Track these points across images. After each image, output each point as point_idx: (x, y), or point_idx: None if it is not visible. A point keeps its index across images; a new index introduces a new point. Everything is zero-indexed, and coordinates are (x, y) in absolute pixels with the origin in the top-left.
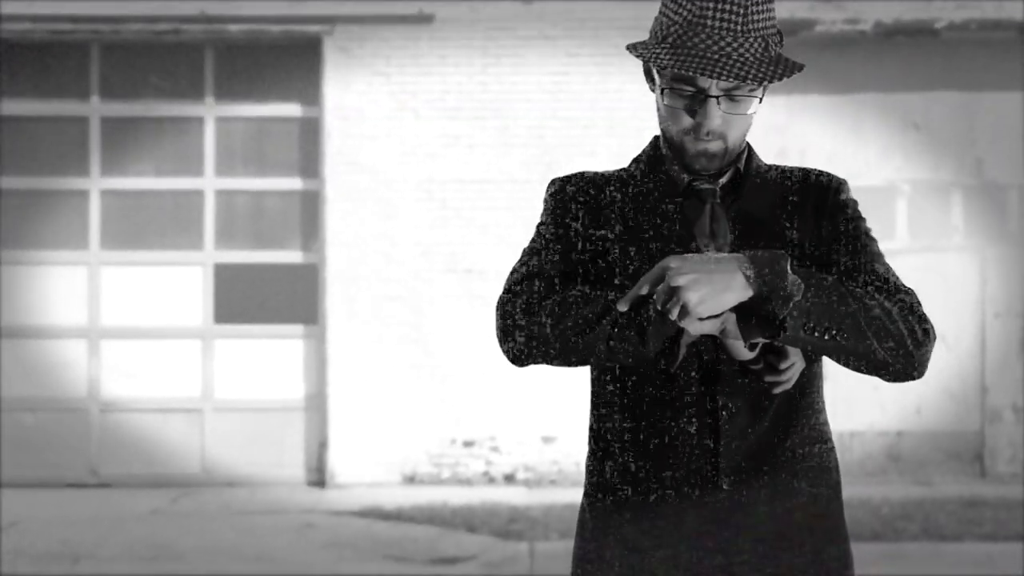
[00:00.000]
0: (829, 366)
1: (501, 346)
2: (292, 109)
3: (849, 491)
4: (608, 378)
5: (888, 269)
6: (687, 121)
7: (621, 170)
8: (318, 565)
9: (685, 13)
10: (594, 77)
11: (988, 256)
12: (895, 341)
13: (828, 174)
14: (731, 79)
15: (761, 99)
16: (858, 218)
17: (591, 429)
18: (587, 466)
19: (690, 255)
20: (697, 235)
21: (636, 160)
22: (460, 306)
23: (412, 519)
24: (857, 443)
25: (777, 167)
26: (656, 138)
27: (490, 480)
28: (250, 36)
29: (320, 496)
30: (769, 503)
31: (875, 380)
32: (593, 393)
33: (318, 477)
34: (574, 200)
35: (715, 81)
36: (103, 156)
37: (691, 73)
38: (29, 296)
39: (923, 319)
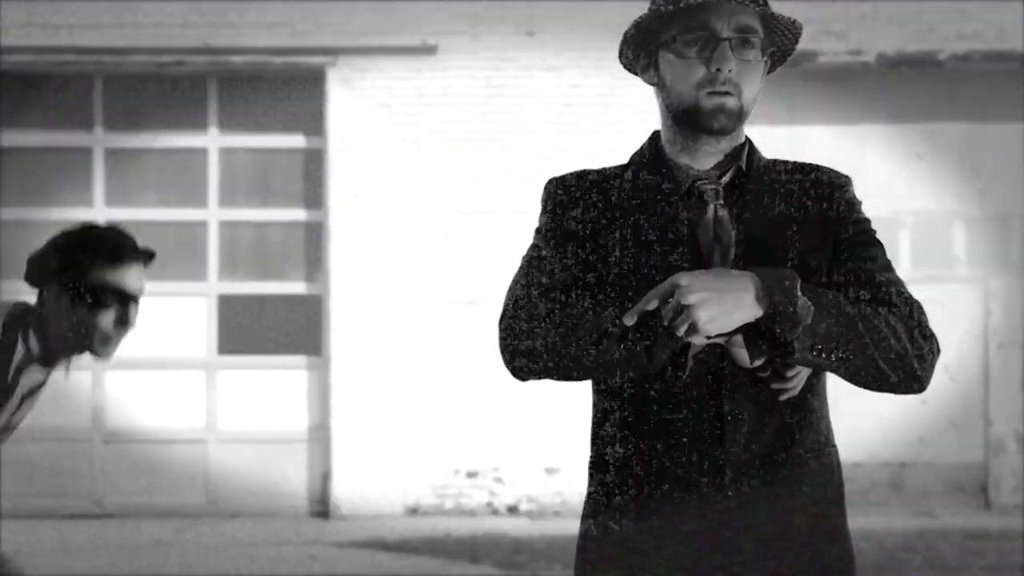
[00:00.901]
0: (832, 392)
1: (504, 360)
2: (295, 140)
3: (852, 522)
4: (611, 380)
5: (892, 276)
6: (700, 72)
7: (621, 167)
8: None
9: None
10: (597, 108)
11: (991, 287)
12: (900, 360)
13: (833, 171)
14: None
15: (766, 63)
16: (863, 219)
17: (594, 430)
18: (590, 468)
19: (700, 272)
20: (701, 238)
21: (636, 156)
22: (463, 337)
23: (415, 550)
24: (860, 474)
25: (780, 162)
26: (655, 134)
27: (493, 511)
28: (253, 67)
29: (323, 527)
30: (770, 504)
31: (878, 409)
32: (595, 393)
33: (321, 508)
34: (572, 203)
35: (726, 21)
36: (107, 187)
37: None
38: None
39: (928, 334)
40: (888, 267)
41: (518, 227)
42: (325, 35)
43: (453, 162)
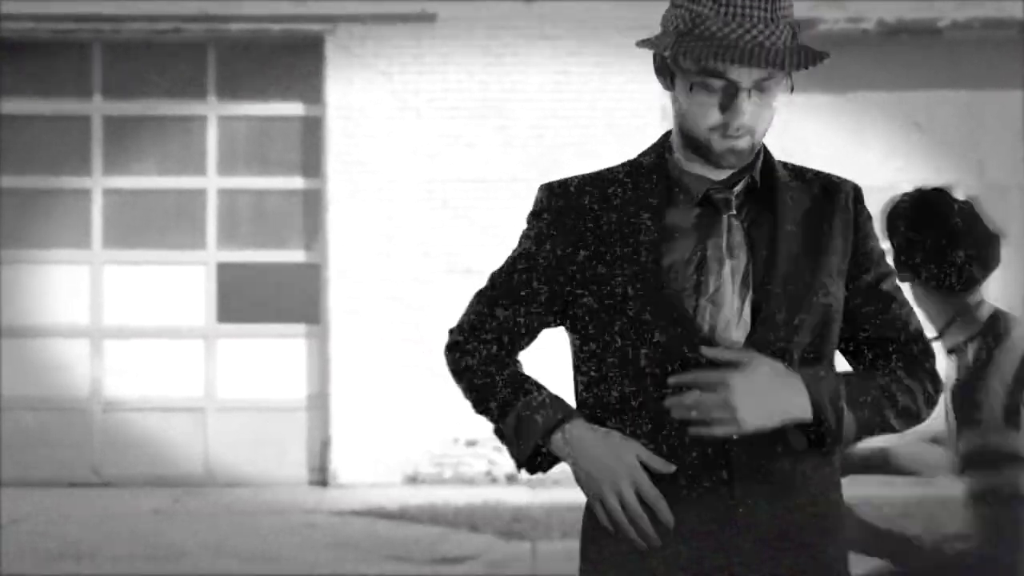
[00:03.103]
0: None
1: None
2: (294, 108)
3: (851, 490)
4: (608, 381)
5: (904, 307)
6: (715, 117)
7: (624, 170)
8: (320, 565)
9: (710, 4)
10: (595, 76)
11: None
12: (913, 419)
13: (846, 182)
14: (769, 67)
15: (792, 89)
16: (874, 237)
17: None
18: None
19: (752, 371)
20: (711, 251)
21: (644, 159)
22: (461, 305)
23: (414, 519)
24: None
25: (790, 168)
26: (667, 135)
27: (492, 480)
28: (252, 35)
29: (322, 496)
30: (771, 503)
31: None
32: (593, 395)
33: (320, 477)
34: (568, 211)
35: (748, 72)
36: (105, 155)
37: (728, 63)
38: (31, 295)
39: (939, 386)
40: (899, 295)
41: (516, 195)
42: (324, 3)
43: (451, 130)
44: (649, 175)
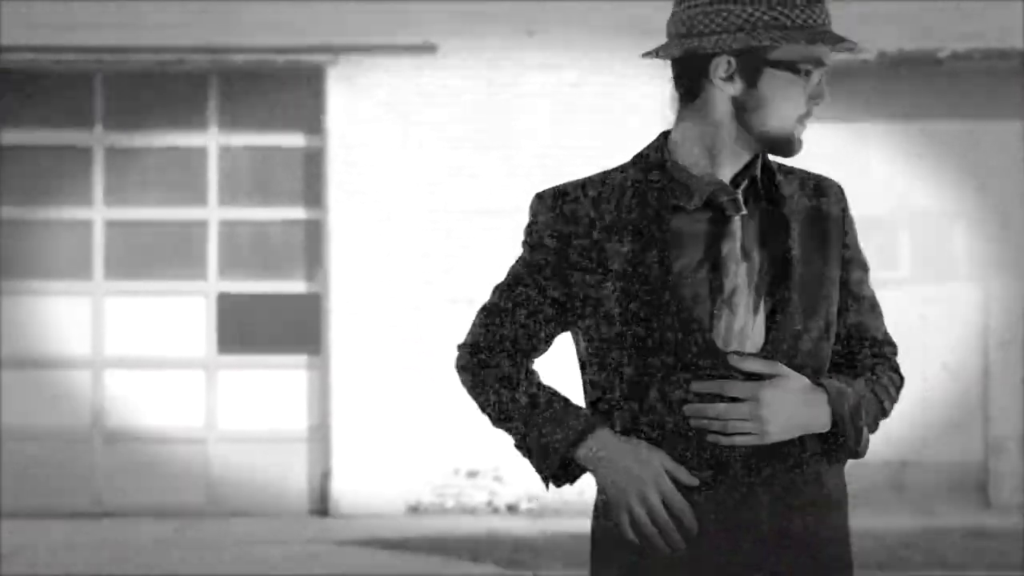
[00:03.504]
0: None
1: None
2: (295, 139)
3: (853, 521)
4: (617, 387)
5: (878, 308)
6: (803, 106)
7: (620, 173)
8: None
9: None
10: (596, 107)
11: (991, 286)
12: (885, 417)
13: (832, 182)
14: (846, 44)
15: None
16: (859, 245)
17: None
18: None
19: (781, 385)
20: (725, 252)
21: (643, 162)
22: (463, 336)
23: (416, 549)
24: (861, 473)
25: (782, 168)
26: (663, 138)
27: (494, 510)
28: (254, 66)
29: (324, 526)
30: (771, 503)
31: None
32: (601, 401)
33: (322, 507)
34: (565, 220)
35: (828, 57)
36: (106, 185)
37: (830, 46)
38: (33, 326)
39: (901, 377)
40: (877, 304)
41: (518, 226)
42: (326, 33)
43: (453, 161)
44: (649, 177)
